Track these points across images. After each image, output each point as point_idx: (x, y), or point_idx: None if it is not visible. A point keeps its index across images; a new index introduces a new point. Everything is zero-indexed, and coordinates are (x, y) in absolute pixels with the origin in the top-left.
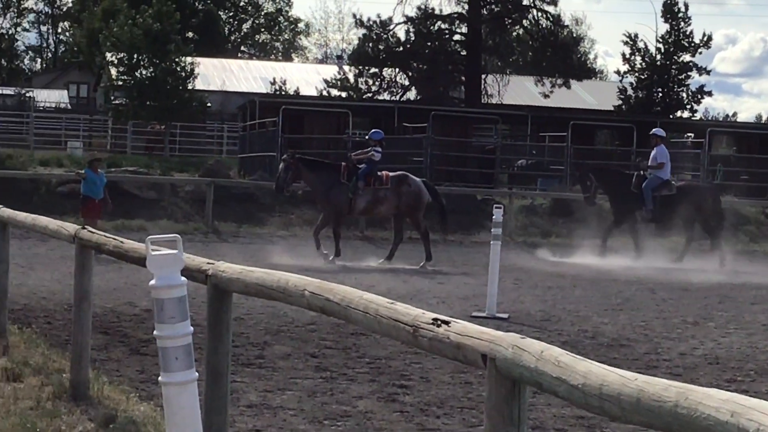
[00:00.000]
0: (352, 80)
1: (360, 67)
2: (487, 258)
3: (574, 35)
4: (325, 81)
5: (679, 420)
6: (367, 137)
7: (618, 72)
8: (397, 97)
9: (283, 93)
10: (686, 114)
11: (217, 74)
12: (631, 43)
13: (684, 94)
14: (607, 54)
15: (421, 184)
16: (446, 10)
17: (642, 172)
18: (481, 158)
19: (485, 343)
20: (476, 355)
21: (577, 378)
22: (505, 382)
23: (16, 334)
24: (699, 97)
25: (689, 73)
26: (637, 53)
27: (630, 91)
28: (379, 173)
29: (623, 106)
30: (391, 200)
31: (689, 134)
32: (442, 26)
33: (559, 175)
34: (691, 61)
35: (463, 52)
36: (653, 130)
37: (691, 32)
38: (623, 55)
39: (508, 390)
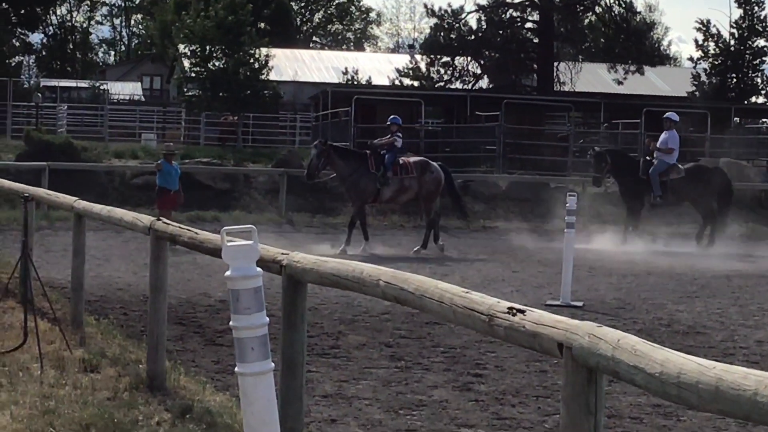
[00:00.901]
0: (424, 69)
1: (432, 56)
2: (560, 245)
3: (647, 21)
4: (397, 70)
5: (759, 409)
6: (388, 123)
7: (691, 58)
8: (469, 86)
9: (355, 83)
10: (761, 99)
11: (289, 65)
12: (704, 29)
13: (759, 80)
14: (681, 40)
15: (440, 170)
16: None
17: (648, 157)
18: (554, 146)
19: (561, 331)
20: (552, 343)
21: (654, 366)
22: (581, 371)
23: (93, 325)
24: None
25: (764, 59)
26: (710, 39)
27: (704, 77)
28: (401, 161)
29: (697, 93)
30: (414, 188)
31: (764, 120)
32: (514, 14)
33: None
34: (765, 46)
35: (535, 40)
36: (667, 114)
37: (765, 17)
38: (696, 41)
39: (584, 379)
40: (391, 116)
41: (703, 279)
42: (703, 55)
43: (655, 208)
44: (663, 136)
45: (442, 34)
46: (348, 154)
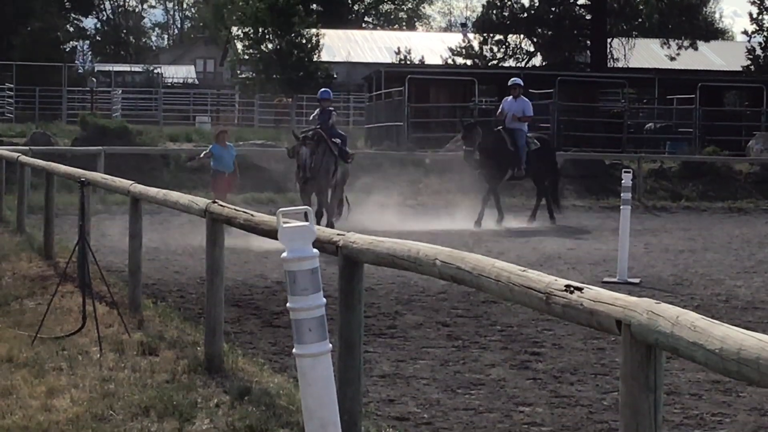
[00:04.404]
0: (476, 48)
1: (484, 35)
2: (616, 223)
3: None
4: (450, 49)
5: None
6: (319, 98)
7: (746, 32)
8: (523, 64)
9: (408, 62)
10: None
11: (342, 45)
12: (759, 2)
13: None
14: (736, 14)
15: None
16: None
17: (502, 127)
18: (609, 123)
19: (619, 309)
20: (610, 321)
21: (714, 343)
22: (640, 348)
23: (151, 309)
24: None
25: None
26: (765, 12)
27: (759, 51)
28: None
29: (752, 67)
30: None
31: None
32: None
33: (688, 138)
34: None
35: (588, 16)
36: (514, 80)
37: None
38: (750, 15)
39: (643, 356)
40: (322, 89)
41: (761, 254)
42: (757, 28)
43: (511, 181)
44: (514, 103)
45: (494, 12)
46: (318, 136)
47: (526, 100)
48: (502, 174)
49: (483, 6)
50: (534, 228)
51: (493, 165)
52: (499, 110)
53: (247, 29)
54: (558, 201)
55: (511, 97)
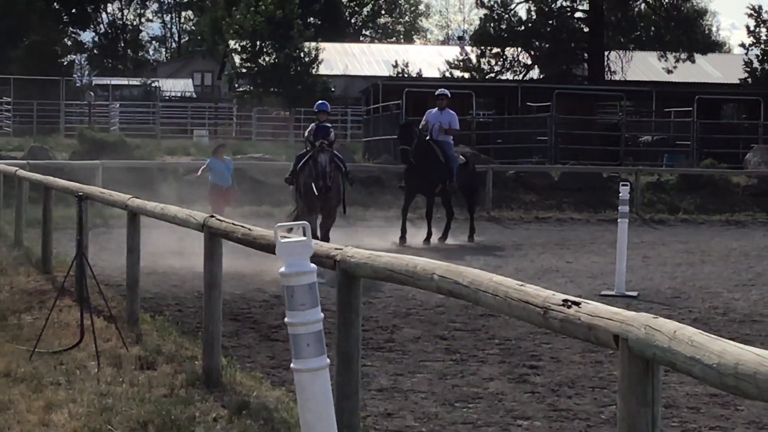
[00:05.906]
0: (474, 61)
1: (482, 48)
2: (614, 236)
3: (697, 8)
4: (448, 62)
5: None
6: (317, 110)
7: (743, 44)
8: (520, 77)
9: (405, 75)
10: None
11: (339, 59)
12: (756, 14)
13: None
14: (734, 27)
15: None
16: None
17: (429, 137)
18: (606, 135)
19: (617, 323)
20: (608, 335)
21: (711, 357)
22: (637, 363)
23: (149, 323)
24: None
25: None
26: (762, 25)
27: (756, 64)
28: None
29: (749, 79)
30: None
31: None
32: (564, 3)
33: (686, 151)
34: None
35: (586, 29)
36: (442, 90)
37: None
38: (747, 27)
39: (641, 370)
40: (320, 101)
41: (759, 266)
42: (755, 41)
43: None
44: (440, 115)
45: (491, 25)
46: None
47: (452, 112)
48: (433, 187)
49: (480, 19)
50: (533, 242)
51: (425, 178)
52: (422, 122)
53: (245, 42)
54: (473, 221)
55: (436, 108)
